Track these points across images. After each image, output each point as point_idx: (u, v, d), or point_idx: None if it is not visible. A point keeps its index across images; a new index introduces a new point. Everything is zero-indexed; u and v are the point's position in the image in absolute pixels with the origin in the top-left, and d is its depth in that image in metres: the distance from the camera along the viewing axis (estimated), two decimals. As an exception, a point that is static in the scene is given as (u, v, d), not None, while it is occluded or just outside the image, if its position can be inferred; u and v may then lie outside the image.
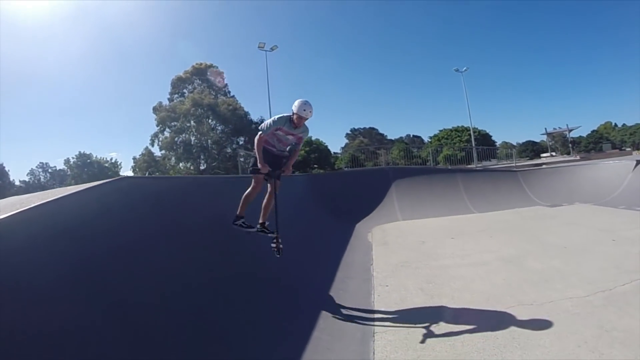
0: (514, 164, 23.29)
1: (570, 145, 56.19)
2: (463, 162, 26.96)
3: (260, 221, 4.57)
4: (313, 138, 51.12)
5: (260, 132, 4.31)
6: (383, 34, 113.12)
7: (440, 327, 3.32)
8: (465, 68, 41.79)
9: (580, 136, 66.39)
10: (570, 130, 55.97)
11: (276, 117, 4.31)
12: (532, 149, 62.01)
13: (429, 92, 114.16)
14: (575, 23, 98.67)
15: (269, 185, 4.45)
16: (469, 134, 43.75)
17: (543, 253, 5.72)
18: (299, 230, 6.59)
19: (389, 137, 67.87)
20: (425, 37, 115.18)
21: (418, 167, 18.49)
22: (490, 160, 30.21)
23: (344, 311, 3.92)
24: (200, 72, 46.76)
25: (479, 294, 4.00)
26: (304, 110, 4.19)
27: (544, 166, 19.13)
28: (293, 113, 4.23)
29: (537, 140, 65.66)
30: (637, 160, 10.61)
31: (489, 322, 3.31)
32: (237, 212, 4.53)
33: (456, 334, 3.16)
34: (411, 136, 74.56)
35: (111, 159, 54.58)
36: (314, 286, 4.56)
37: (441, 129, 56.32)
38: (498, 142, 59.45)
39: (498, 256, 5.70)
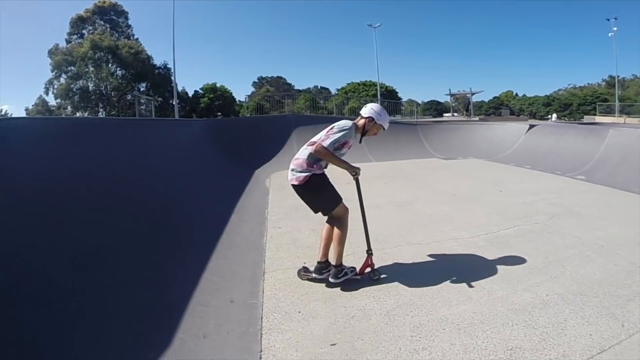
0: (413, 119, 26.17)
1: (470, 107, 63.04)
2: None
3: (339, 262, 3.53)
4: (218, 84, 52.40)
5: (323, 148, 3.41)
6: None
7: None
8: (378, 24, 45.91)
9: (482, 100, 76.15)
10: (472, 94, 63.37)
11: (342, 126, 3.50)
12: (435, 108, 69.03)
13: (340, 45, 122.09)
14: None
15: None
16: (376, 89, 48.10)
17: (434, 199, 6.67)
18: (194, 175, 7.22)
19: (296, 87, 73.48)
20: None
21: (321, 116, 19.98)
22: (394, 116, 33.27)
23: (236, 252, 4.20)
24: (103, 12, 47.03)
25: (370, 234, 4.28)
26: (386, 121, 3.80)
27: (444, 122, 21.36)
28: (367, 118, 3.71)
29: (442, 100, 72.83)
30: (530, 125, 12.50)
31: (376, 263, 3.66)
32: (337, 263, 3.52)
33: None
34: (319, 87, 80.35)
35: (1, 111, 51.82)
36: (206, 230, 4.81)
37: (349, 82, 60.86)
38: (404, 99, 65.60)
39: (391, 200, 6.55)
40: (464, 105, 70.50)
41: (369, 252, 3.58)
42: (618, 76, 51.58)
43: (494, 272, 3.60)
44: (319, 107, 38.93)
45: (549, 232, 4.76)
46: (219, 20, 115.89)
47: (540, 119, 46.50)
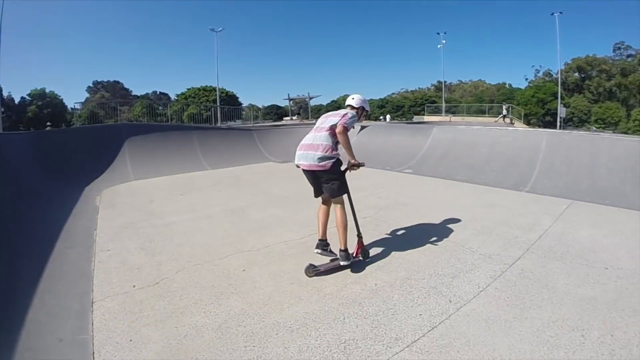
0: (251, 124, 27.26)
1: (309, 111, 67.06)
2: (208, 121, 31.08)
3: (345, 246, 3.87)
4: (47, 90, 50.68)
5: (345, 128, 3.85)
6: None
7: (160, 285, 3.66)
8: (220, 28, 48.06)
9: (321, 104, 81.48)
10: (311, 98, 66.93)
11: (352, 114, 4.11)
12: (276, 112, 71.69)
13: (181, 49, 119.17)
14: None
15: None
16: (216, 94, 50.26)
17: (266, 203, 6.89)
18: (12, 200, 6.68)
19: (134, 93, 74.28)
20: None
21: (154, 124, 19.28)
22: (235, 121, 34.24)
23: (63, 284, 3.92)
24: None
25: (200, 247, 4.60)
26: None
27: (282, 127, 22.14)
28: (360, 108, 4.43)
29: (282, 105, 76.34)
30: (362, 126, 13.71)
31: (206, 275, 3.81)
32: (344, 247, 3.83)
33: (174, 290, 3.53)
34: (158, 93, 79.77)
35: None
36: (29, 263, 4.43)
37: (189, 87, 61.93)
38: (245, 104, 70.02)
39: (223, 209, 6.59)
40: (304, 108, 74.53)
41: (359, 235, 4.12)
42: (445, 81, 61.86)
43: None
44: (157, 114, 38.25)
45: (376, 224, 5.27)
46: (50, 17, 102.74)
47: (374, 120, 52.35)
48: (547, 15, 62.19)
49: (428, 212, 5.71)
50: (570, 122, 59.28)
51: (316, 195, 4.21)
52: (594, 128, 56.84)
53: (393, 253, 4.17)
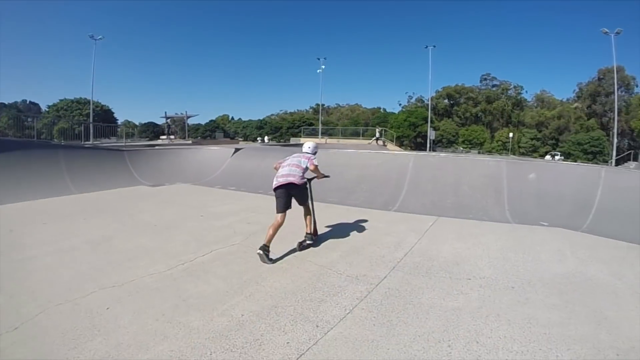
0: (124, 143, 25.78)
1: (186, 130, 65.55)
2: (80, 137, 28.45)
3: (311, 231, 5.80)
4: None
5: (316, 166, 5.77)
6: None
7: (20, 330, 3.29)
8: (100, 36, 45.46)
9: (199, 123, 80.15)
10: (188, 117, 65.28)
11: (314, 152, 6.13)
12: (152, 130, 69.01)
13: (54, 55, 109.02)
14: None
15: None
16: (90, 108, 46.72)
17: (133, 232, 6.48)
18: None
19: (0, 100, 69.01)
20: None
21: (15, 140, 16.96)
22: (110, 138, 32.16)
23: None
24: None
25: (62, 284, 4.24)
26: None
27: (157, 147, 21.22)
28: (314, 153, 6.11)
29: (159, 122, 74.08)
30: (235, 148, 13.66)
31: (69, 315, 3.51)
32: (310, 231, 5.74)
33: (35, 335, 3.20)
34: (27, 102, 74.75)
35: None
36: None
37: (62, 98, 58.60)
38: (120, 120, 70.10)
39: (88, 239, 6.05)
40: (181, 127, 72.79)
41: (314, 223, 5.87)
42: (323, 104, 64.50)
43: (190, 303, 3.70)
44: (26, 126, 34.63)
45: (244, 251, 5.30)
46: None
47: (252, 141, 52.84)
48: (422, 47, 68.96)
49: (299, 236, 5.82)
50: (440, 143, 65.65)
51: (279, 211, 5.29)
52: (461, 148, 63.72)
53: (260, 281, 4.21)
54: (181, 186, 11.86)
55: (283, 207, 5.33)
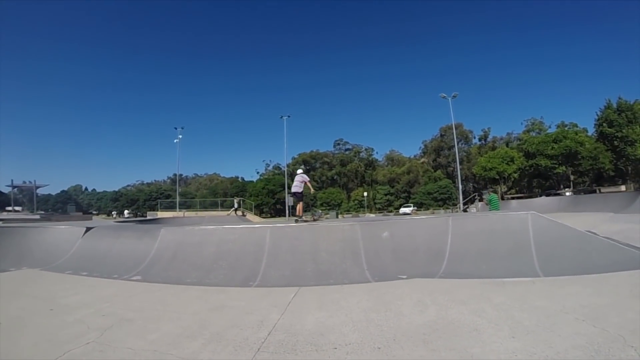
0: None
1: (35, 201, 59.64)
2: None
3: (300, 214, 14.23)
4: None
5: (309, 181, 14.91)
6: None
7: None
8: None
9: (50, 194, 73.43)
10: (38, 187, 59.40)
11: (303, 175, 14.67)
12: None
13: None
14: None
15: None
16: None
17: None
18: None
19: None
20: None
21: None
22: None
23: None
24: None
25: None
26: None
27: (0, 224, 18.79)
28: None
29: (5, 191, 66.32)
30: (87, 227, 12.70)
31: None
32: (299, 214, 14.20)
33: None
34: None
35: None
36: None
37: None
38: None
39: None
40: (29, 198, 66.15)
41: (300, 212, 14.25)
42: (181, 174, 63.29)
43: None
44: None
45: (101, 350, 4.84)
46: None
47: (107, 216, 49.74)
48: (277, 117, 72.68)
49: (157, 327, 5.59)
50: (298, 208, 68.44)
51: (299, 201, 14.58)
52: (320, 211, 66.31)
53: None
54: (28, 272, 10.43)
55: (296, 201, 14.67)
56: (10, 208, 51.76)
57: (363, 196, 77.69)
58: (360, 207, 77.67)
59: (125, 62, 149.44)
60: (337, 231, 10.55)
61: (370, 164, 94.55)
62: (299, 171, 14.88)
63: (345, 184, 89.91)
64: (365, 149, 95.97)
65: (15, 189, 61.72)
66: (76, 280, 9.40)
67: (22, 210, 56.04)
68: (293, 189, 14.28)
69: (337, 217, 53.44)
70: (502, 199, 58.64)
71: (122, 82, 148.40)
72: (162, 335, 5.29)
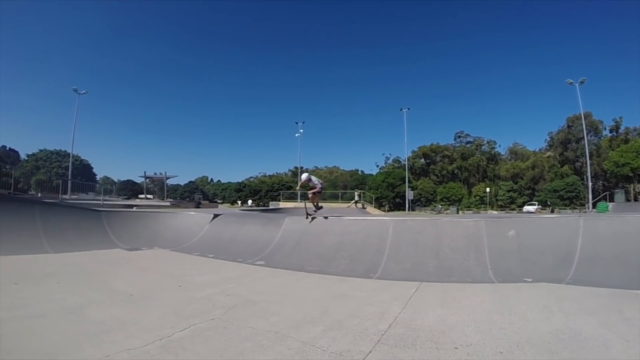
0: (102, 199, 25.49)
1: (165, 190, 65.43)
2: (57, 190, 28.46)
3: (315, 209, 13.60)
4: None
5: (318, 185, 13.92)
6: None
7: None
8: (84, 91, 46.51)
9: (178, 184, 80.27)
10: (168, 178, 65.25)
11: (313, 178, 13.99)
12: (131, 189, 68.79)
13: (37, 106, 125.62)
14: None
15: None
16: (69, 161, 47.54)
17: (108, 301, 6.22)
18: None
19: None
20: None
21: None
22: (87, 194, 31.84)
23: None
24: None
25: (32, 355, 3.96)
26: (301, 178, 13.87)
27: (134, 208, 20.99)
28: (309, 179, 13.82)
29: (138, 181, 74.05)
30: (214, 214, 13.58)
31: None
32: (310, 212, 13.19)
33: None
34: (7, 148, 74.26)
35: None
36: None
37: (42, 148, 60.61)
38: (99, 175, 72.11)
39: (60, 306, 5.77)
40: (160, 187, 72.81)
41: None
42: (301, 167, 65.76)
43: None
44: (3, 174, 34.26)
45: (224, 327, 5.08)
46: None
47: (231, 205, 52.87)
48: (397, 109, 70.99)
49: (278, 310, 5.74)
50: (419, 202, 66.38)
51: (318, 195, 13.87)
52: (440, 206, 64.32)
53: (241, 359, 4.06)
54: (159, 252, 11.66)
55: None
56: (142, 196, 57.33)
57: (485, 192, 73.28)
58: (481, 203, 73.30)
59: (248, 55, 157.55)
60: (461, 227, 10.11)
61: (493, 158, 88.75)
62: (307, 176, 13.82)
63: (466, 179, 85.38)
64: (487, 142, 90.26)
65: (148, 179, 68.10)
66: (203, 262, 10.23)
67: (154, 197, 61.50)
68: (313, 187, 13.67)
69: (457, 213, 51.54)
70: (636, 199, 52.09)
71: (246, 77, 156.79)
72: (283, 319, 5.42)
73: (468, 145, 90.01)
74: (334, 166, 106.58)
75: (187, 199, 67.62)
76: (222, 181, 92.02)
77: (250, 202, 62.54)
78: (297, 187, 14.55)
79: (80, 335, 4.62)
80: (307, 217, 12.37)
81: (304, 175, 13.50)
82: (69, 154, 50.24)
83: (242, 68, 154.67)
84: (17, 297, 6.12)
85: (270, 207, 46.97)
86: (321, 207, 13.81)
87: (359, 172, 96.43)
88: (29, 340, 4.48)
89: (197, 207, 37.56)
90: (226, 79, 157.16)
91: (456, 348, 4.31)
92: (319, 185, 13.54)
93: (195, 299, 6.46)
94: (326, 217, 12.36)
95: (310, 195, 13.50)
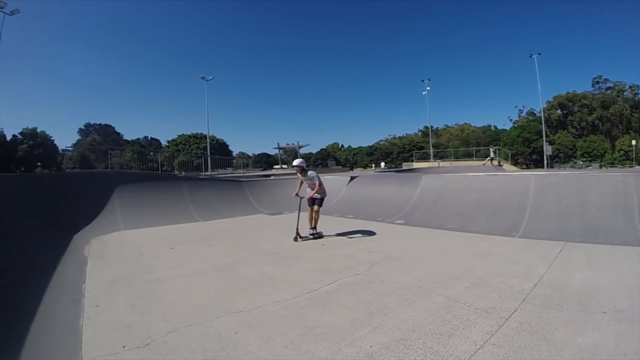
0: (241, 173, 27.49)
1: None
2: (198, 169, 31.57)
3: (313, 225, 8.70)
4: (39, 130, 52.05)
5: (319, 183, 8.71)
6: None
7: (150, 347, 3.53)
8: (211, 77, 50.15)
9: (310, 152, 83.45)
10: (300, 147, 67.81)
11: (316, 175, 8.94)
12: (266, 161, 72.99)
13: (171, 96, 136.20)
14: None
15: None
16: (207, 142, 51.91)
17: (257, 259, 6.75)
18: None
19: (125, 137, 77.90)
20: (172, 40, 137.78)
21: (143, 173, 19.47)
22: (225, 169, 34.80)
23: (48, 340, 3.84)
24: None
25: (191, 306, 4.49)
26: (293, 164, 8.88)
27: (272, 177, 22.24)
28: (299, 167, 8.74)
29: (272, 153, 78.33)
30: (351, 177, 13.78)
31: (198, 337, 3.68)
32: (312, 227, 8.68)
33: (165, 353, 3.41)
34: (149, 138, 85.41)
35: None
36: (12, 314, 4.29)
37: (180, 134, 65.38)
38: (235, 152, 76.32)
39: (214, 265, 6.45)
40: (293, 157, 76.03)
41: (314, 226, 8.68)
42: (432, 126, 63.43)
43: (317, 332, 3.67)
44: (148, 159, 38.91)
45: (369, 281, 5.17)
46: (44, 53, 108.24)
47: (363, 168, 53.38)
48: (526, 57, 63.80)
49: (421, 266, 5.69)
50: (557, 159, 60.38)
51: (319, 206, 8.65)
52: (580, 162, 57.75)
53: (387, 312, 4.06)
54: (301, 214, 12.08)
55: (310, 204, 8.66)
56: (277, 166, 60.33)
57: (630, 146, 62.97)
58: (626, 159, 63.02)
59: (377, 31, 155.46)
60: (607, 183, 8.91)
61: (637, 106, 75.41)
62: (300, 162, 8.66)
63: (608, 131, 73.60)
64: (630, 87, 76.55)
65: (281, 150, 71.28)
66: (343, 222, 10.52)
67: (288, 167, 64.50)
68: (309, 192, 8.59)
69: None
70: None
71: (374, 50, 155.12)
72: (426, 274, 5.36)
73: (608, 92, 77.35)
74: (465, 123, 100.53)
75: (320, 165, 69.82)
76: (353, 146, 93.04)
77: (383, 164, 62.42)
78: (294, 193, 8.86)
79: (233, 290, 5.09)
80: (295, 238, 8.15)
81: (297, 161, 8.71)
82: (205, 136, 55.23)
83: (371, 44, 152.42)
84: (175, 259, 6.93)
85: (404, 167, 46.58)
86: (320, 233, 8.62)
87: (492, 128, 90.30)
88: (188, 293, 5.03)
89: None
90: (349, 42, 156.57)
91: (605, 312, 3.86)
92: (319, 184, 8.54)
93: (339, 256, 6.69)
94: (323, 244, 7.83)
95: (308, 201, 8.65)
